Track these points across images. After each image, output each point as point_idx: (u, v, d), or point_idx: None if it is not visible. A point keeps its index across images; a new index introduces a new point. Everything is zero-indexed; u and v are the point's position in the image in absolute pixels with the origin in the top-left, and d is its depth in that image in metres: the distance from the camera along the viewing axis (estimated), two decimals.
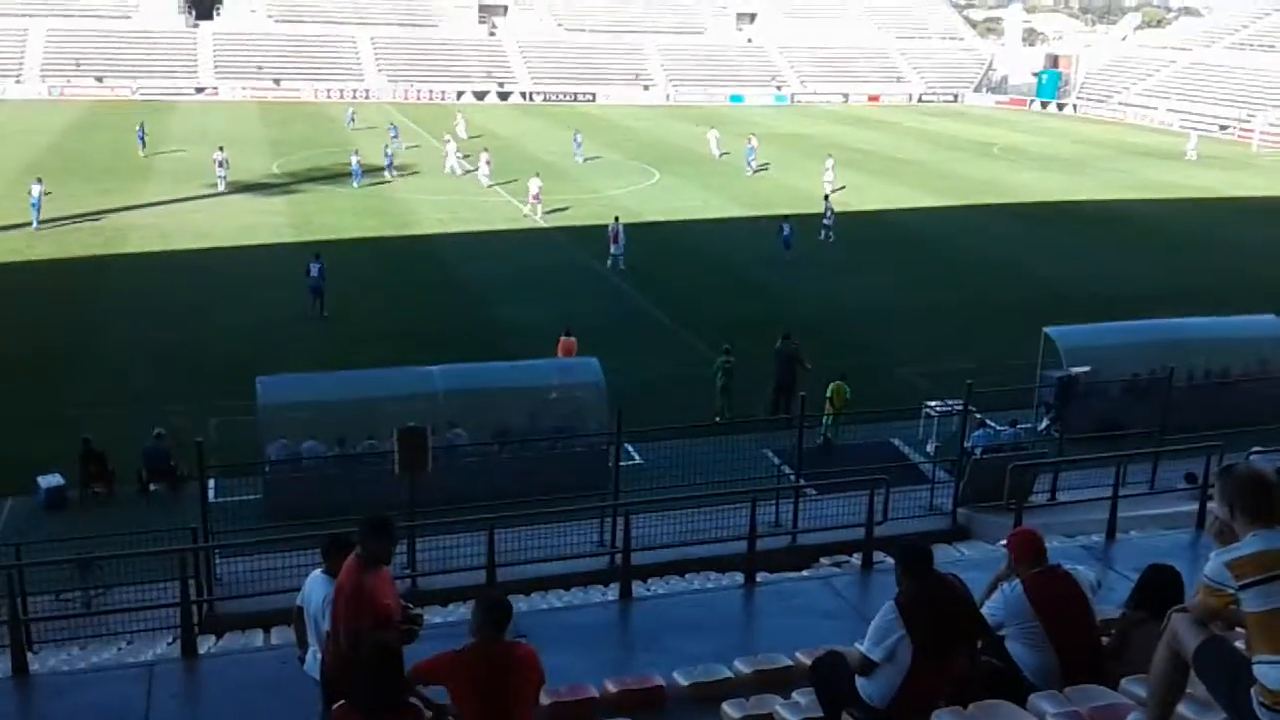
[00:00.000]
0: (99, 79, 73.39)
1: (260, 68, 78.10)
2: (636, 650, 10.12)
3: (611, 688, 7.85)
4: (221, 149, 43.66)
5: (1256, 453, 15.18)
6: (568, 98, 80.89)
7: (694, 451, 16.39)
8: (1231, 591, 4.37)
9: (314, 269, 27.08)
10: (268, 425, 17.28)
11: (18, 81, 72.97)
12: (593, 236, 36.36)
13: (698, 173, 50.46)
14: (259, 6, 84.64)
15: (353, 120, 62.02)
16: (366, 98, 77.41)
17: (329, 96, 76.21)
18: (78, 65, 74.40)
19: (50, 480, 17.24)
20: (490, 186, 44.42)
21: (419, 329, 26.07)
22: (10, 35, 76.04)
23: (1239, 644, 4.55)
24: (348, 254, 32.87)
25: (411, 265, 32.56)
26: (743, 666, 8.20)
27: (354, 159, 45.10)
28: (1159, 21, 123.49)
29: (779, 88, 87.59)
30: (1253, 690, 4.33)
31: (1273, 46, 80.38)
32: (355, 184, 43.97)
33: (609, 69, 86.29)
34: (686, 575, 13.47)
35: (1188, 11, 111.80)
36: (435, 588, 12.50)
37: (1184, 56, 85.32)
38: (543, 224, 38.53)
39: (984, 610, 6.86)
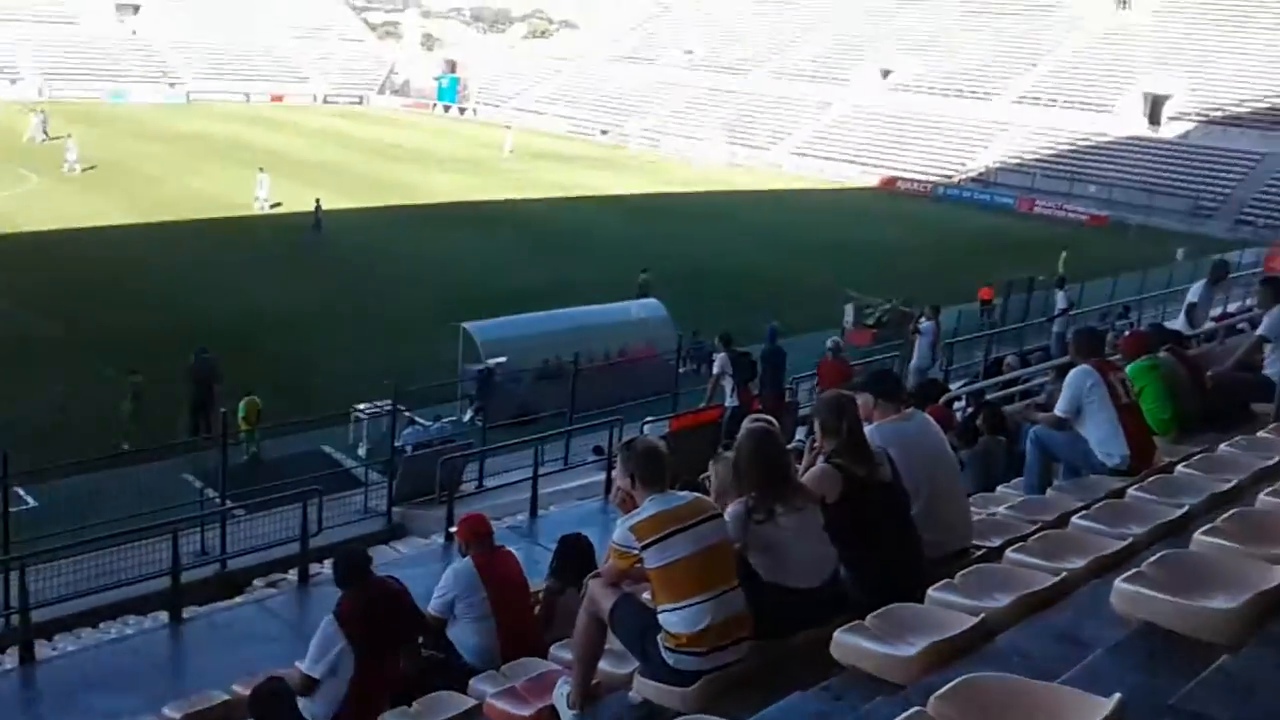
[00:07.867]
0: None
1: None
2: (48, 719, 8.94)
3: None
4: None
5: (649, 422, 17.08)
6: None
7: (102, 485, 14.81)
8: (636, 552, 4.80)
9: None
10: None
11: None
12: None
13: (91, 177, 45.70)
14: None
15: None
16: None
17: None
18: None
19: None
20: None
21: None
22: None
23: (646, 597, 5.00)
24: None
25: None
26: (172, 713, 7.53)
27: None
28: (543, 32, 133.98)
29: (172, 85, 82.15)
30: (659, 637, 4.80)
31: (640, 59, 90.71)
32: None
33: None
34: (101, 625, 12.10)
35: (567, 24, 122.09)
36: None
37: (567, 66, 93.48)
38: None
39: (436, 590, 6.92)
